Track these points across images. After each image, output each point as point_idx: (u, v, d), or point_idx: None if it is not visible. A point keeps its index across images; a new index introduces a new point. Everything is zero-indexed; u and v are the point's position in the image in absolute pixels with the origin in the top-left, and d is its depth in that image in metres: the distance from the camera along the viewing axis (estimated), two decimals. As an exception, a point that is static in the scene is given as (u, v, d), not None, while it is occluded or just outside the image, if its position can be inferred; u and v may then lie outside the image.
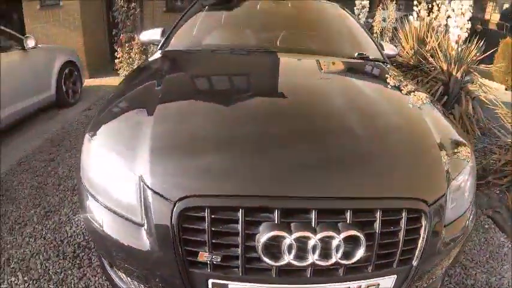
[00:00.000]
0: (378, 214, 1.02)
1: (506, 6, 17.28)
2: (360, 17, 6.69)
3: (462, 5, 3.41)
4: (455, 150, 1.39)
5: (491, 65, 5.00)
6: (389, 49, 2.66)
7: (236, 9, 2.87)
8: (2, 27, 3.75)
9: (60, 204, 2.33)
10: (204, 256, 1.00)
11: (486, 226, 2.39)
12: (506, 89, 6.70)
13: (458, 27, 3.43)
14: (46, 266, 1.81)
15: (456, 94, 3.52)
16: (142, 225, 1.07)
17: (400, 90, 1.86)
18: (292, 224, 0.98)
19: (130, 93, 1.70)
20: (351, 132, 1.31)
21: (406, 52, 4.28)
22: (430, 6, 4.36)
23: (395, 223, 1.05)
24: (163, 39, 2.41)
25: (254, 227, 0.99)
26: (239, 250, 0.99)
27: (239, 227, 0.98)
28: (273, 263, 0.97)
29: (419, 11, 4.35)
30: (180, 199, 1.01)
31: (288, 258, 0.97)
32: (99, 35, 7.13)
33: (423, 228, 1.07)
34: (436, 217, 1.11)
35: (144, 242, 1.06)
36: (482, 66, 3.89)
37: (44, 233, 2.06)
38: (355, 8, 6.75)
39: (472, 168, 1.36)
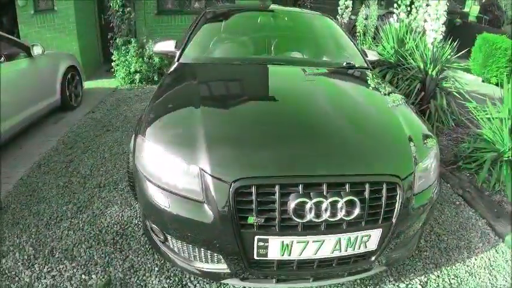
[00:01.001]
0: (367, 186, 1.46)
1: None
2: (343, 16, 7.08)
3: (437, 10, 3.81)
4: (422, 141, 1.85)
5: (465, 60, 5.44)
6: (372, 55, 3.14)
7: (238, 21, 3.26)
8: (10, 36, 3.94)
9: (89, 200, 2.62)
10: (252, 219, 1.40)
11: (457, 203, 2.83)
12: (482, 81, 7.23)
13: (433, 31, 3.83)
14: (90, 253, 2.11)
15: (432, 90, 3.94)
16: (203, 202, 1.46)
17: (380, 94, 2.32)
18: (311, 193, 1.41)
19: (171, 97, 2.08)
20: (348, 129, 1.80)
21: (387, 51, 4.68)
22: (409, 9, 4.75)
23: (379, 192, 1.49)
24: (179, 52, 2.73)
25: (286, 197, 1.41)
26: (276, 213, 1.40)
27: (276, 197, 1.40)
28: (300, 220, 1.41)
29: (399, 13, 4.74)
30: (235, 181, 1.41)
31: (309, 217, 1.40)
32: (92, 38, 7.29)
33: (398, 195, 1.51)
34: (407, 188, 1.56)
35: (206, 214, 1.46)
36: (455, 65, 4.31)
37: (81, 225, 2.35)
38: (338, 7, 7.13)
39: (435, 155, 1.83)
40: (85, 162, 3.19)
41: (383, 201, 1.48)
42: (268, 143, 1.62)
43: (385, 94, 2.31)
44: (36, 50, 3.98)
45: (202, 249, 1.56)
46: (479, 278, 2.11)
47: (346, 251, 1.51)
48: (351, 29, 6.88)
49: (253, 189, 1.40)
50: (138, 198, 1.77)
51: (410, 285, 1.98)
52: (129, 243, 2.18)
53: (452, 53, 4.10)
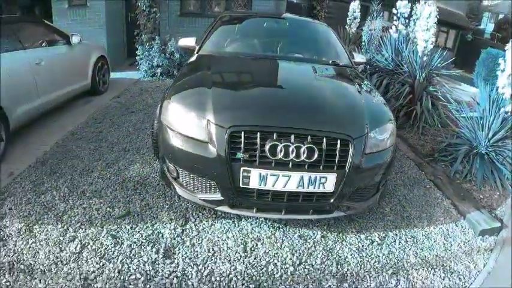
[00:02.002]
0: (324, 140, 2.00)
1: (501, 16, 18.30)
2: (351, 26, 7.58)
3: (428, 22, 4.27)
4: (377, 116, 2.39)
5: (460, 70, 5.82)
6: (359, 58, 3.73)
7: (249, 25, 3.91)
8: (53, 25, 4.57)
9: (116, 159, 3.16)
10: (239, 155, 1.95)
11: (427, 186, 3.25)
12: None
13: (424, 40, 4.28)
14: (115, 194, 2.63)
15: (420, 93, 4.38)
16: (208, 142, 2.05)
17: (353, 82, 2.87)
18: (281, 139, 1.97)
19: (190, 77, 2.70)
20: (316, 99, 2.44)
21: (385, 59, 5.15)
22: (407, 21, 5.22)
23: (334, 145, 2.02)
24: (198, 46, 3.36)
25: (264, 141, 1.98)
26: (256, 152, 1.97)
27: (257, 140, 1.97)
28: (273, 158, 1.97)
29: (397, 24, 5.21)
30: (229, 127, 2.00)
31: (280, 156, 1.96)
32: (119, 34, 7.97)
33: (350, 151, 2.04)
34: (358, 146, 2.07)
35: (209, 151, 2.04)
36: (444, 71, 4.74)
37: (108, 176, 2.88)
38: (347, 18, 7.64)
39: (392, 133, 2.34)
40: (112, 133, 3.74)
41: (337, 153, 2.01)
42: (256, 107, 2.26)
43: (358, 84, 2.82)
44: (75, 39, 4.59)
45: (203, 179, 2.09)
46: (434, 241, 2.52)
47: (308, 188, 2.02)
48: (357, 39, 7.38)
49: (242, 134, 1.98)
50: (160, 145, 2.32)
51: (369, 237, 2.43)
52: (147, 190, 2.70)
53: (442, 61, 4.53)
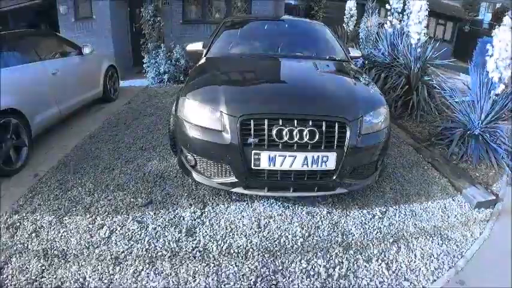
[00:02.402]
0: (324, 123, 2.26)
1: (498, 5, 18.42)
2: (349, 24, 7.82)
3: (419, 16, 4.50)
4: (371, 102, 2.65)
5: (455, 59, 6.03)
6: (355, 53, 4.00)
7: (251, 28, 4.22)
8: (66, 38, 4.87)
9: (135, 157, 3.42)
10: (250, 140, 2.20)
11: (425, 167, 3.45)
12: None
13: (416, 33, 4.51)
14: (137, 187, 2.88)
15: (416, 83, 4.59)
16: (222, 131, 2.31)
17: (348, 74, 3.13)
18: (286, 124, 2.24)
19: (202, 77, 2.97)
20: (315, 89, 2.72)
21: (382, 53, 5.37)
22: (401, 16, 5.45)
23: (333, 127, 2.28)
24: (206, 50, 3.62)
25: (271, 126, 2.25)
26: (265, 136, 2.23)
27: (265, 126, 2.23)
28: (279, 141, 2.25)
29: (392, 20, 5.44)
30: (241, 116, 2.27)
31: (285, 139, 2.24)
32: (125, 43, 8.29)
33: (347, 132, 2.30)
34: (354, 128, 2.33)
35: (223, 138, 2.31)
36: (438, 61, 4.95)
37: (129, 172, 3.13)
38: (344, 16, 7.88)
39: (384, 113, 2.60)
40: (128, 135, 4.00)
41: (336, 135, 2.27)
42: (263, 98, 2.55)
43: (354, 76, 3.08)
44: (86, 50, 4.88)
45: (219, 164, 2.34)
46: (432, 214, 2.73)
47: (312, 166, 2.26)
48: (355, 36, 7.61)
49: (252, 122, 2.25)
50: (178, 137, 2.58)
51: (371, 212, 2.65)
52: (166, 181, 2.95)
53: (436, 53, 4.75)
